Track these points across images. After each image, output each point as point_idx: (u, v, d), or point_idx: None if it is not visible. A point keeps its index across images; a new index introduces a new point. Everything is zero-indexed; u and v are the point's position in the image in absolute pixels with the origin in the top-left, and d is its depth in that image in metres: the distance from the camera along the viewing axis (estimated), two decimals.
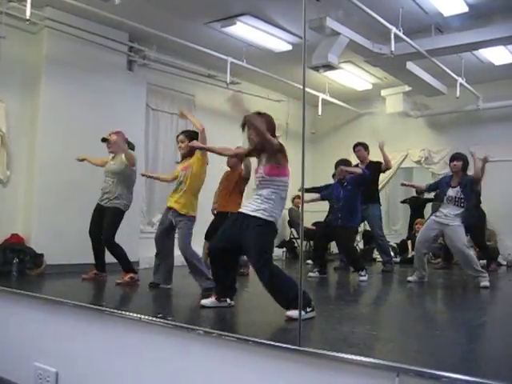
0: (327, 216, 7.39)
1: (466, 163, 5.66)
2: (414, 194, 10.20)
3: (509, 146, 8.57)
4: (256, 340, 2.71)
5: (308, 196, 7.06)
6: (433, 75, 8.03)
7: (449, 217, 5.55)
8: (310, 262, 7.67)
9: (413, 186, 7.44)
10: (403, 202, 10.28)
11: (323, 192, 6.88)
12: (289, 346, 2.59)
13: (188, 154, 5.04)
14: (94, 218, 5.48)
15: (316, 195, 7.00)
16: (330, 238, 6.71)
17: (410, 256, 8.99)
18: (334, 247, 8.64)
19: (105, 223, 5.32)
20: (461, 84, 7.98)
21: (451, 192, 5.61)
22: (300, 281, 2.85)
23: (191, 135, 5.04)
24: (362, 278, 6.01)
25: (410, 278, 5.88)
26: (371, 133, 9.60)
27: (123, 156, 5.43)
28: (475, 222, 6.10)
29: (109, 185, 5.43)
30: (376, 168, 7.01)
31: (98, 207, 5.49)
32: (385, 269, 7.04)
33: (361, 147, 7.17)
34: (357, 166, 7.09)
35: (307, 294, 3.49)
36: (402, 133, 9.78)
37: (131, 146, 5.62)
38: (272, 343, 2.66)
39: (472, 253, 5.74)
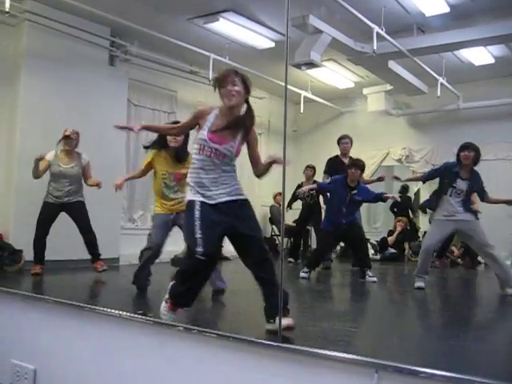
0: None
1: (478, 155, 4.86)
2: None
3: (487, 145, 8.67)
4: (236, 336, 2.70)
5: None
6: (414, 74, 8.11)
7: (464, 212, 4.88)
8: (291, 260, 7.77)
9: (410, 180, 7.04)
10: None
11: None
12: (269, 342, 2.59)
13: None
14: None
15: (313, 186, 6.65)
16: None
17: (390, 253, 9.10)
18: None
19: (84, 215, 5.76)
20: (441, 84, 8.07)
21: (462, 184, 4.90)
22: (281, 279, 2.85)
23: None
24: (372, 279, 5.76)
25: (419, 285, 5.05)
26: (353, 131, 9.64)
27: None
28: None
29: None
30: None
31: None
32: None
33: (348, 140, 7.06)
34: (337, 157, 7.04)
35: None
36: (384, 131, 9.87)
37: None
38: (252, 339, 2.66)
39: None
